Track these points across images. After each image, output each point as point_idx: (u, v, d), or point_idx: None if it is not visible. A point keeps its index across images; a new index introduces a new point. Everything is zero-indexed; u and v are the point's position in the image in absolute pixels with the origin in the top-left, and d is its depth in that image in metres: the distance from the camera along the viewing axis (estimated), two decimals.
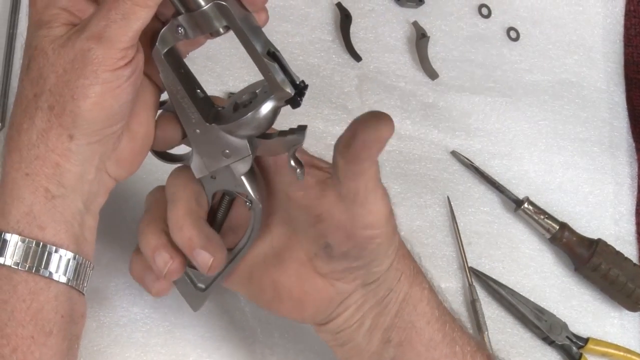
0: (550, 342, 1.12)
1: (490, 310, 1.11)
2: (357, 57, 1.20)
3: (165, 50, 0.74)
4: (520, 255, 1.17)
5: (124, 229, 0.88)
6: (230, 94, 1.10)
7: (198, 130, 0.77)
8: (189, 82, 0.77)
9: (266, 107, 0.74)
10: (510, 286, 1.13)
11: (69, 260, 0.73)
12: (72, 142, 0.72)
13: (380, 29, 1.24)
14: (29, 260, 0.71)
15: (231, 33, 0.72)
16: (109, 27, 0.69)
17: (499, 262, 1.15)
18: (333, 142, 1.10)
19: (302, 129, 0.76)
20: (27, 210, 0.72)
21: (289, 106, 0.74)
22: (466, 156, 1.19)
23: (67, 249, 0.73)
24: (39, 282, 0.72)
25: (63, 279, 0.73)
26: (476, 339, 0.89)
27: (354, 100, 1.17)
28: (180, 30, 0.73)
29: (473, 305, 1.09)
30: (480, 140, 1.22)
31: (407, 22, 1.25)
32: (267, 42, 0.73)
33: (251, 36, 0.72)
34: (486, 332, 1.08)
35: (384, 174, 1.11)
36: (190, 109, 0.76)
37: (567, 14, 1.37)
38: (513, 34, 1.31)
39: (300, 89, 0.73)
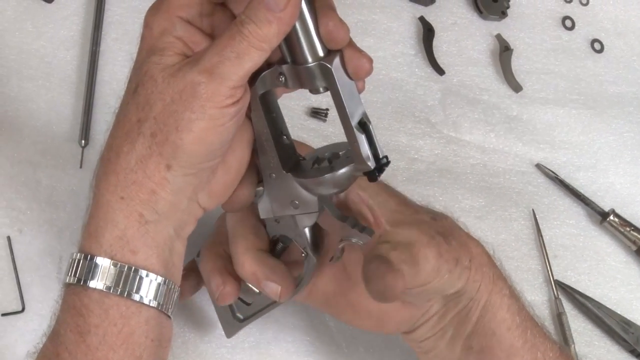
0: (637, 355, 1.10)
1: (577, 324, 1.10)
2: (440, 71, 1.20)
3: (261, 92, 0.75)
4: (607, 267, 1.16)
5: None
6: (314, 110, 1.11)
7: (274, 175, 0.78)
8: (277, 126, 0.78)
9: (343, 173, 0.75)
10: (597, 299, 1.12)
11: (159, 284, 0.74)
12: (169, 172, 0.72)
13: (463, 42, 1.24)
14: (120, 285, 0.72)
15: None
16: (222, 63, 0.70)
17: (584, 275, 1.14)
18: (417, 156, 1.11)
19: (369, 233, 0.77)
20: (120, 234, 0.72)
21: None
22: (551, 169, 1.18)
23: (157, 273, 0.74)
24: (130, 306, 0.73)
25: (154, 304, 0.73)
26: (560, 345, 0.89)
27: (437, 114, 1.18)
28: (282, 78, 0.73)
29: (559, 319, 1.08)
30: (564, 152, 1.21)
31: (490, 35, 1.25)
32: (362, 112, 0.73)
33: (347, 103, 0.71)
34: (573, 345, 1.07)
35: (469, 187, 1.12)
36: (271, 152, 0.77)
37: None
38: (597, 46, 1.30)
39: (382, 165, 0.73)
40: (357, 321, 0.88)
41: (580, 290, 1.11)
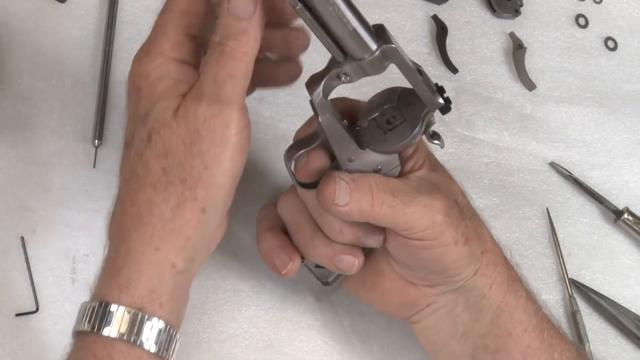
0: None
1: (591, 322, 1.10)
2: (453, 69, 1.20)
3: (325, 97, 0.76)
4: (621, 266, 1.16)
5: (220, 245, 0.90)
6: None
7: (353, 157, 0.79)
8: (340, 118, 0.79)
9: (422, 125, 0.78)
10: (611, 297, 1.11)
11: (177, 341, 0.75)
12: (205, 215, 0.73)
13: (477, 40, 1.24)
14: (134, 333, 0.72)
15: None
16: (222, 89, 0.71)
17: (599, 274, 1.14)
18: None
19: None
20: (152, 287, 0.73)
21: None
22: (565, 167, 1.18)
23: (176, 329, 0.75)
24: (142, 354, 0.73)
25: (173, 358, 0.75)
26: (576, 345, 0.89)
27: (451, 113, 1.15)
28: (345, 77, 0.74)
29: (574, 317, 1.08)
30: (578, 151, 1.21)
31: (503, 34, 1.25)
32: (412, 62, 0.75)
33: (409, 62, 0.74)
34: (587, 344, 1.07)
35: (483, 186, 1.12)
36: (346, 141, 0.78)
37: None
38: (611, 44, 1.30)
39: (444, 94, 0.76)
40: (362, 292, 0.90)
41: (595, 289, 1.11)
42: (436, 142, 0.79)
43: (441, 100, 0.75)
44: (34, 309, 0.92)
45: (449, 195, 0.81)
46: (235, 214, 0.88)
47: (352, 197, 0.77)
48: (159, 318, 0.73)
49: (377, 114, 0.79)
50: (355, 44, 0.71)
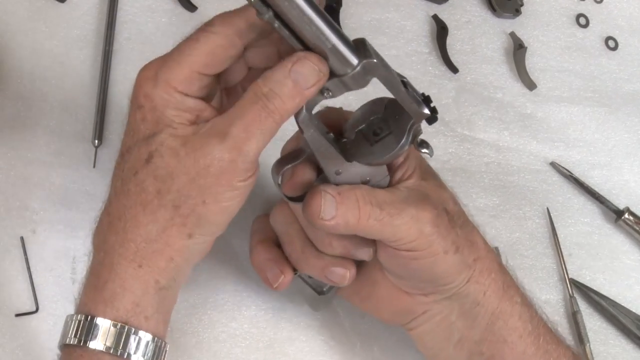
0: None
1: (592, 322, 1.10)
2: (454, 69, 1.20)
3: (311, 114, 0.76)
4: (622, 266, 1.16)
5: (220, 245, 0.89)
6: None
7: (340, 170, 0.79)
8: (325, 131, 0.79)
9: (408, 136, 0.77)
10: (612, 297, 1.11)
11: (165, 352, 0.76)
12: (190, 240, 0.74)
13: (477, 40, 1.24)
14: (121, 346, 0.73)
15: None
16: (249, 140, 0.71)
17: (600, 274, 1.14)
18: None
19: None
20: (137, 301, 0.74)
21: None
22: (565, 167, 1.18)
23: (163, 338, 0.76)
24: None
25: None
26: (573, 350, 0.89)
27: (451, 112, 1.17)
28: (327, 93, 0.74)
29: (574, 317, 1.08)
30: (579, 150, 1.21)
31: (504, 33, 1.25)
32: (397, 74, 0.74)
33: (392, 75, 0.73)
34: (588, 344, 1.07)
35: (483, 186, 1.12)
36: (332, 154, 0.78)
37: None
38: (611, 44, 1.29)
39: (430, 103, 0.76)
40: (357, 301, 0.91)
41: (595, 289, 1.11)
42: (425, 150, 0.78)
43: (427, 111, 0.75)
44: (33, 309, 0.91)
45: (438, 204, 0.80)
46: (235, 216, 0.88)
47: (338, 211, 0.77)
48: (145, 331, 0.73)
49: (363, 125, 0.79)
50: (336, 59, 0.71)
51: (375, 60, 0.71)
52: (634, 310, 1.12)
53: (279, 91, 0.71)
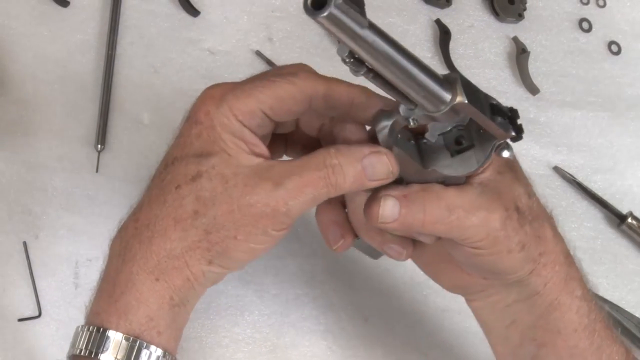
0: None
1: None
2: None
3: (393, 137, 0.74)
4: (625, 270, 1.16)
5: None
6: None
7: (418, 176, 0.77)
8: (408, 137, 0.77)
9: (489, 156, 0.75)
10: (615, 302, 1.11)
11: None
12: (209, 267, 0.74)
13: (480, 44, 1.24)
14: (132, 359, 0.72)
15: None
16: (299, 199, 0.71)
17: (603, 278, 1.14)
18: None
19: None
20: (151, 315, 0.73)
21: None
22: (568, 171, 1.18)
23: (174, 355, 0.75)
24: None
25: None
26: (627, 349, 0.88)
27: None
28: (413, 122, 0.71)
29: None
30: (582, 155, 1.21)
31: (507, 38, 1.25)
32: (486, 96, 0.72)
33: (483, 110, 0.70)
34: None
35: None
36: (410, 163, 0.76)
37: None
38: (614, 48, 1.29)
39: (516, 122, 0.73)
40: (419, 263, 0.90)
41: (599, 294, 1.11)
42: (505, 154, 0.75)
43: (512, 133, 0.72)
44: (36, 314, 0.91)
45: (510, 203, 0.79)
46: None
47: (401, 215, 0.76)
48: (157, 346, 0.73)
49: (448, 128, 0.77)
50: (427, 103, 0.68)
51: (465, 102, 0.68)
52: (637, 315, 1.11)
53: (346, 169, 0.72)
